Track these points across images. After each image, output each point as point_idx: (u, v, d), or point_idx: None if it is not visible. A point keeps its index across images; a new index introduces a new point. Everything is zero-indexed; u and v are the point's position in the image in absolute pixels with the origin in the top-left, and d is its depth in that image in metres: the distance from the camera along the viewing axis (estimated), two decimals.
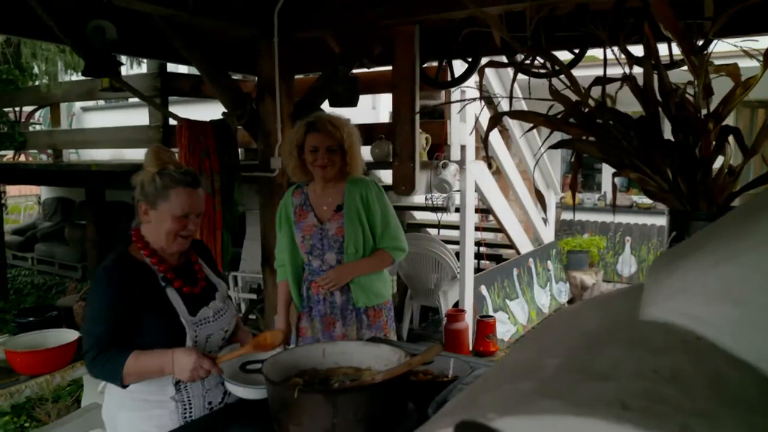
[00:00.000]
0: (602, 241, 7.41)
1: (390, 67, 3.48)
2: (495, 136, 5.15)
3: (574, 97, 1.46)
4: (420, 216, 6.37)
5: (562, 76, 1.49)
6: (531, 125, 1.76)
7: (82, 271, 7.54)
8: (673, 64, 2.39)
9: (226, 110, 3.77)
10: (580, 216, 7.80)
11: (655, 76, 1.30)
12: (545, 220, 6.59)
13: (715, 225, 1.16)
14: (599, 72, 1.49)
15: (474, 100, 1.89)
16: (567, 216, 7.79)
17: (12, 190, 13.06)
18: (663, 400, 0.77)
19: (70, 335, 2.32)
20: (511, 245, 5.88)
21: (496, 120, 1.72)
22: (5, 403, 2.07)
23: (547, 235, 6.63)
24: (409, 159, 3.49)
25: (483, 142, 1.75)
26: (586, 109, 1.45)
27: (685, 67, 1.30)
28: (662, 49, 1.43)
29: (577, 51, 2.93)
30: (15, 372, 2.17)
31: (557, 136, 1.48)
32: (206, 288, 1.76)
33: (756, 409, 0.75)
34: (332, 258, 2.40)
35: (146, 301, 1.59)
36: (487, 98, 2.74)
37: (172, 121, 4.18)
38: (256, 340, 1.68)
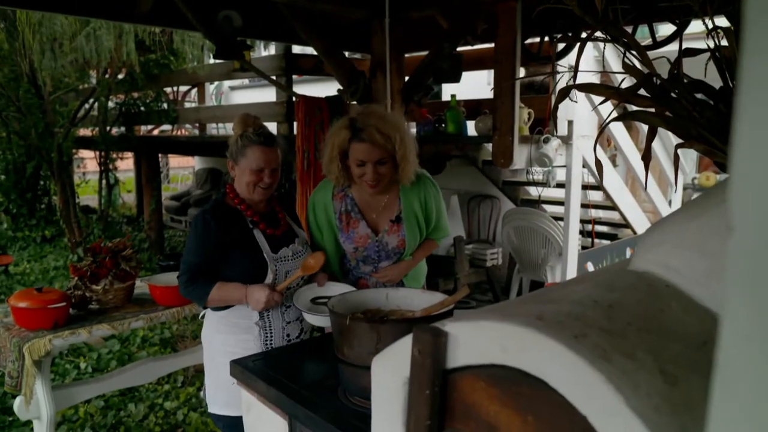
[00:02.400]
0: None
1: None
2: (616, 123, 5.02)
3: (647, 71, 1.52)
4: (535, 192, 6.36)
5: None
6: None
7: None
8: None
9: (341, 87, 4.10)
10: None
11: None
12: (671, 203, 6.29)
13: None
14: (695, 45, 1.52)
15: (550, 74, 1.99)
16: None
17: (173, 162, 14.73)
18: (579, 318, 0.93)
19: None
20: (627, 225, 5.72)
21: (565, 92, 1.84)
22: (147, 324, 2.57)
23: None
24: (509, 132, 3.58)
25: (552, 115, 1.87)
26: (658, 81, 1.53)
27: None
28: None
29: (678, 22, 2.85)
30: (155, 302, 2.68)
31: None
32: (287, 232, 2.07)
33: (681, 340, 0.88)
34: (387, 264, 2.25)
35: (236, 239, 1.92)
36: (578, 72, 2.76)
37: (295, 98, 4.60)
38: (302, 263, 1.98)
